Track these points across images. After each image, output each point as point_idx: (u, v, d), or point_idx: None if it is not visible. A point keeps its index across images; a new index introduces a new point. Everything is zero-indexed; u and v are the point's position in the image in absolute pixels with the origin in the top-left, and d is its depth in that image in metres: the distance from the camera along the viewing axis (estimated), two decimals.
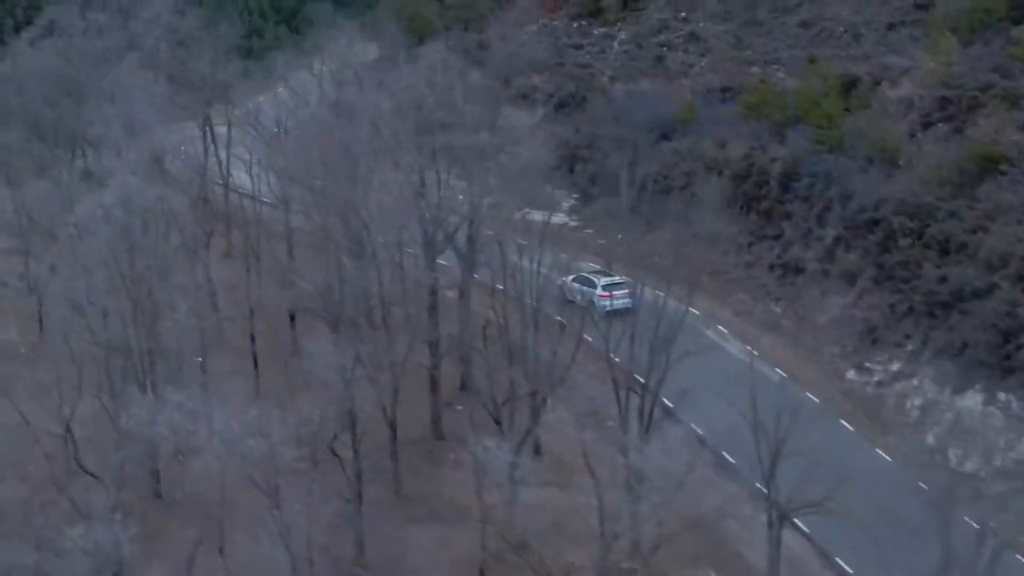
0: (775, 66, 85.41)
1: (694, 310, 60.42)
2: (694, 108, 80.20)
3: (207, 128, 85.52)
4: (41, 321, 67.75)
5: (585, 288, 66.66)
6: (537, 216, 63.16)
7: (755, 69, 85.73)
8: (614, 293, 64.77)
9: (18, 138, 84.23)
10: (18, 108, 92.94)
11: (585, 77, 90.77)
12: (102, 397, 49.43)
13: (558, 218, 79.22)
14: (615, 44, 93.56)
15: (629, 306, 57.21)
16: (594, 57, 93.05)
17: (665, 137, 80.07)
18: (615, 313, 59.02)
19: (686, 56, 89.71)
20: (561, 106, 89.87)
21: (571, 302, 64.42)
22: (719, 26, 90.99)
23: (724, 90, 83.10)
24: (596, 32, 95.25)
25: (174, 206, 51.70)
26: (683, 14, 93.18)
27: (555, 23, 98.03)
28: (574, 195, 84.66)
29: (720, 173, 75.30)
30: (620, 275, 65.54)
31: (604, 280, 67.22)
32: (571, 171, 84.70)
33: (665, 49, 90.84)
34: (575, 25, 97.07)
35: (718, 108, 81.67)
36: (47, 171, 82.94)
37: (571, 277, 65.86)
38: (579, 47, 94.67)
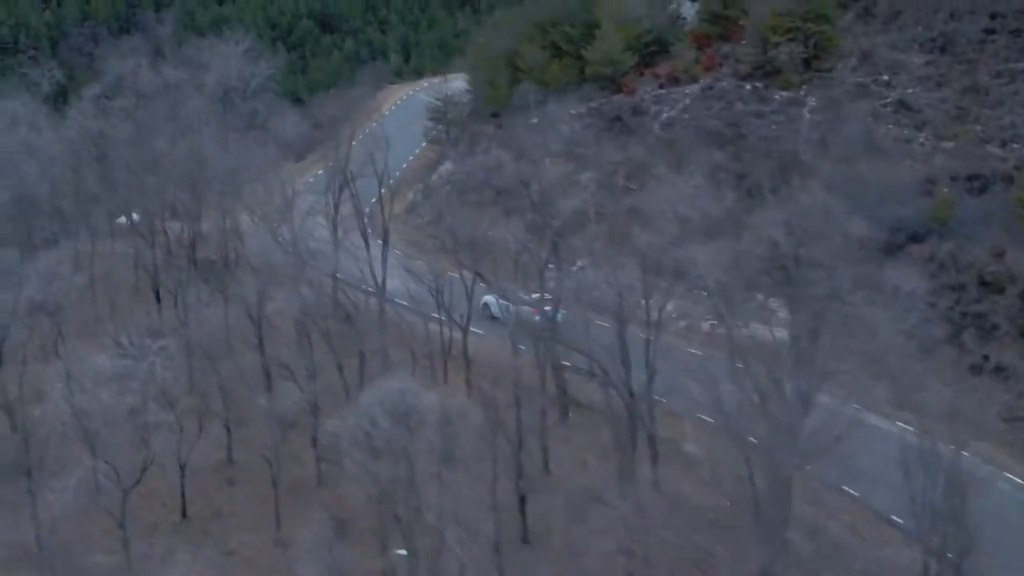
0: (1017, 145, 72.23)
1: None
2: (952, 204, 66.60)
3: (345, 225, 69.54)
4: None
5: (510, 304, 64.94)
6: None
7: (993, 148, 72.41)
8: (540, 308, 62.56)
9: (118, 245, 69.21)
10: (101, 190, 78.48)
11: (778, 154, 76.73)
12: None
13: (774, 332, 66.05)
14: (805, 112, 79.68)
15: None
16: (781, 128, 79.01)
17: (914, 239, 66.46)
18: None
19: (899, 130, 76.04)
20: (756, 191, 75.57)
21: (494, 318, 68.64)
22: (933, 92, 77.41)
23: (971, 178, 69.63)
24: (777, 97, 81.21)
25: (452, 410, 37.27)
26: (885, 77, 79.55)
27: (722, 84, 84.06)
28: (782, 303, 70.75)
29: (1002, 290, 62.04)
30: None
31: (530, 297, 64.53)
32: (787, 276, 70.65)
33: (870, 119, 77.13)
34: (747, 87, 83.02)
35: (967, 200, 68.37)
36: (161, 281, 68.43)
37: (491, 295, 68.60)
38: (759, 115, 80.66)
